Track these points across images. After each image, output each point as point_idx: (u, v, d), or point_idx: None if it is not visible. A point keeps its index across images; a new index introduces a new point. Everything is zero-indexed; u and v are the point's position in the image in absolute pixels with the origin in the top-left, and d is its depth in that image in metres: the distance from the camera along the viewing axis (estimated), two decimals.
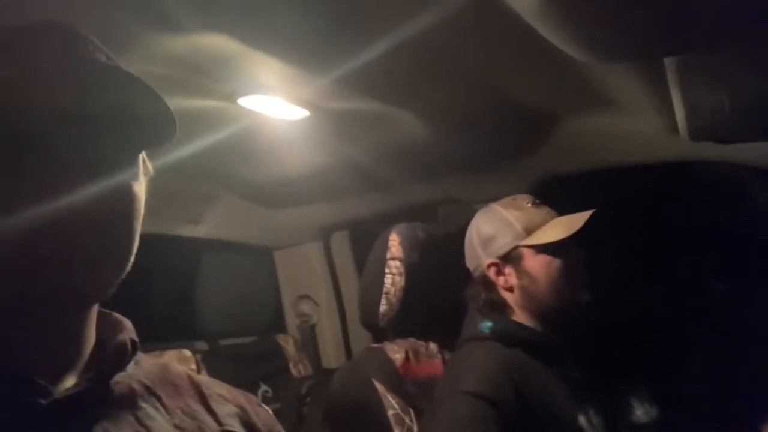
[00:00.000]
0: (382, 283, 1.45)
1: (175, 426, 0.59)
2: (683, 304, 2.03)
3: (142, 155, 0.61)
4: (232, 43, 1.03)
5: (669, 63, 1.01)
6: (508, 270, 1.32)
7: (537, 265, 1.29)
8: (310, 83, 1.24)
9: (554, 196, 1.42)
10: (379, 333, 1.51)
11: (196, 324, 2.03)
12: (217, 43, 1.03)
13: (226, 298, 2.13)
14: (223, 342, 2.09)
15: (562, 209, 1.36)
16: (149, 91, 0.55)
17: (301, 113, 1.40)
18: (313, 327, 2.35)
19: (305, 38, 1.08)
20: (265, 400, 1.93)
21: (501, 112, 1.52)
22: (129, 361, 0.59)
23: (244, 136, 1.52)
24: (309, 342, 2.33)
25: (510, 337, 1.27)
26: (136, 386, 0.59)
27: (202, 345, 2.04)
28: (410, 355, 1.40)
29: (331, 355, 2.33)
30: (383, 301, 1.44)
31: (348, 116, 1.44)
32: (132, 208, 0.56)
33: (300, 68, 1.17)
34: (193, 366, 1.81)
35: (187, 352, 1.84)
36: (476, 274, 1.38)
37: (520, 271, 1.30)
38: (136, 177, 0.58)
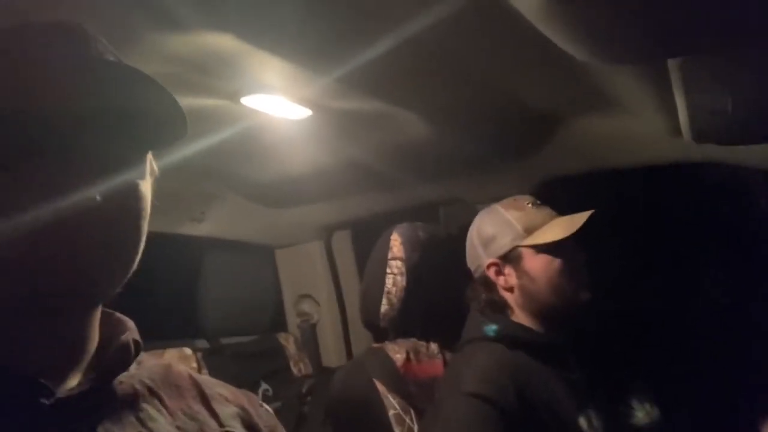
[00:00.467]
0: (383, 283, 1.45)
1: (177, 428, 0.59)
2: (685, 305, 2.03)
3: (149, 155, 0.61)
4: (235, 42, 1.03)
5: (672, 64, 1.01)
6: (508, 270, 1.32)
7: (537, 265, 1.29)
8: (313, 82, 1.24)
9: (557, 197, 1.42)
10: (380, 333, 1.51)
11: (198, 322, 2.03)
12: (220, 41, 1.03)
13: (228, 297, 2.13)
14: (224, 340, 2.09)
15: (565, 210, 1.36)
16: (160, 90, 0.55)
17: (304, 112, 1.40)
18: (313, 326, 2.35)
19: (308, 37, 1.08)
20: (266, 399, 1.93)
21: (504, 112, 1.52)
22: (132, 361, 0.59)
23: (246, 135, 1.52)
24: (310, 341, 2.33)
25: (512, 338, 1.27)
26: (139, 387, 0.59)
27: (203, 343, 2.04)
28: (411, 355, 1.40)
29: (331, 355, 2.33)
30: (384, 300, 1.44)
31: (351, 116, 1.44)
32: (139, 208, 0.56)
33: (303, 67, 1.17)
34: (194, 364, 1.81)
35: (188, 351, 1.84)
36: (477, 274, 1.38)
37: (520, 271, 1.30)
38: (143, 176, 0.58)
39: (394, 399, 1.30)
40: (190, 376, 0.67)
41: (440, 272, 1.49)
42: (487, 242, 1.35)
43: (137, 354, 0.60)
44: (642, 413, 1.49)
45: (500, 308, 1.32)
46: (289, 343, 2.26)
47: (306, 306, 2.37)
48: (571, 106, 1.55)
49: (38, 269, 0.49)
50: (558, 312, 1.29)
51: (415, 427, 1.28)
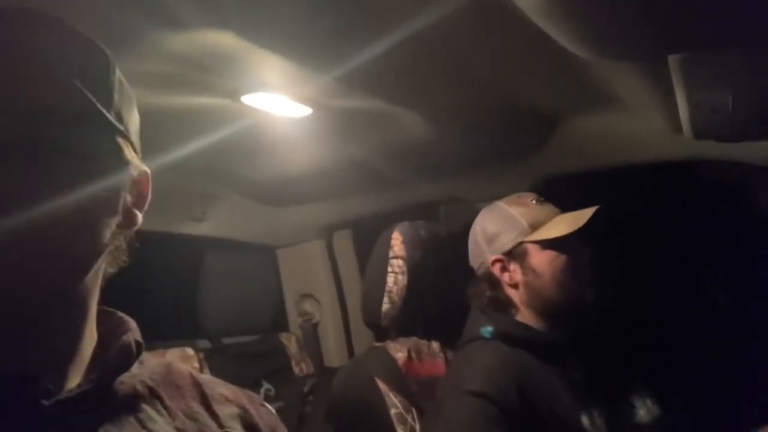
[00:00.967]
0: (385, 281, 1.45)
1: (177, 429, 0.58)
2: (685, 304, 2.03)
3: (128, 145, 0.58)
4: (235, 40, 1.03)
5: (673, 61, 1.01)
6: (513, 266, 1.31)
7: (542, 260, 1.29)
8: (313, 81, 1.24)
9: (558, 195, 1.41)
10: (382, 332, 1.51)
11: (199, 322, 2.03)
12: (221, 40, 1.03)
13: (229, 297, 2.13)
14: (226, 340, 2.10)
15: (566, 208, 1.36)
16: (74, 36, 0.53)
17: (305, 111, 1.39)
18: (315, 325, 2.35)
19: (309, 35, 1.08)
20: (268, 399, 1.93)
21: (505, 111, 1.51)
22: (133, 362, 0.58)
23: (247, 133, 1.52)
24: (311, 341, 2.33)
25: (512, 337, 1.26)
26: (139, 387, 0.58)
27: (204, 343, 2.04)
28: (413, 354, 1.40)
29: (333, 354, 2.33)
30: (385, 299, 1.44)
31: (351, 114, 1.44)
32: (78, 191, 0.51)
33: (303, 66, 1.17)
34: (196, 364, 1.82)
35: (190, 351, 1.84)
36: (480, 271, 1.37)
37: (526, 267, 1.30)
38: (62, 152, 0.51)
39: (395, 398, 1.30)
40: (191, 376, 0.66)
41: (441, 271, 1.49)
42: (491, 239, 1.35)
43: (138, 355, 0.59)
44: (643, 412, 1.49)
45: (504, 305, 1.32)
46: (290, 342, 2.26)
47: (307, 305, 2.37)
48: (572, 105, 1.55)
49: None
50: (562, 309, 1.28)
51: (417, 426, 1.28)
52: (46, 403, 0.49)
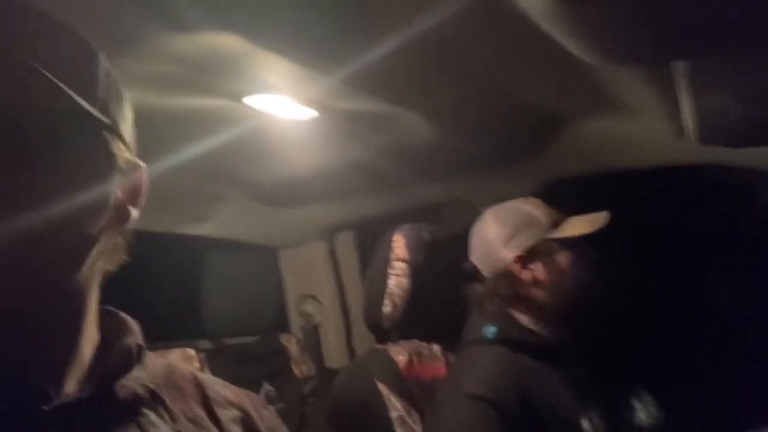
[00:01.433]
0: (386, 284, 1.45)
1: None
2: (686, 306, 2.03)
3: (116, 139, 0.56)
4: (239, 42, 1.03)
5: (679, 67, 1.01)
6: (535, 264, 1.30)
7: (566, 258, 1.29)
8: (317, 83, 1.24)
9: (561, 199, 1.42)
10: (383, 334, 1.50)
11: (201, 323, 2.03)
12: (225, 42, 1.03)
13: (231, 297, 2.13)
14: (227, 341, 2.09)
15: (569, 212, 1.36)
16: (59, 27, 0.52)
17: (309, 113, 1.39)
18: (316, 327, 2.35)
19: (313, 37, 1.08)
20: (269, 400, 1.93)
21: (509, 113, 1.51)
22: (133, 366, 0.57)
23: (251, 135, 1.52)
24: (312, 342, 2.33)
25: (513, 340, 1.26)
26: (140, 390, 0.57)
27: (206, 344, 2.04)
28: (413, 356, 1.40)
29: (334, 356, 2.32)
30: (386, 302, 1.44)
31: (355, 116, 1.44)
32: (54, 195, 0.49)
33: (308, 68, 1.17)
34: (197, 364, 1.81)
35: (191, 351, 1.84)
36: (493, 272, 1.35)
37: (551, 265, 1.29)
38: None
39: (396, 400, 1.30)
40: (193, 377, 0.66)
41: (443, 274, 1.48)
42: (508, 237, 1.32)
43: (139, 358, 0.58)
44: (644, 414, 1.49)
45: (523, 304, 1.31)
46: (291, 344, 2.26)
47: (309, 307, 2.37)
48: (575, 108, 1.55)
49: None
50: (576, 309, 1.28)
51: (418, 429, 1.28)
52: (45, 408, 0.48)
